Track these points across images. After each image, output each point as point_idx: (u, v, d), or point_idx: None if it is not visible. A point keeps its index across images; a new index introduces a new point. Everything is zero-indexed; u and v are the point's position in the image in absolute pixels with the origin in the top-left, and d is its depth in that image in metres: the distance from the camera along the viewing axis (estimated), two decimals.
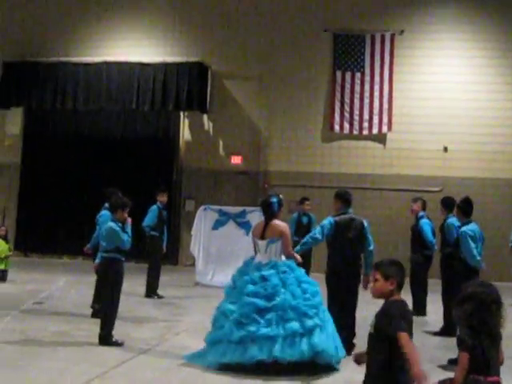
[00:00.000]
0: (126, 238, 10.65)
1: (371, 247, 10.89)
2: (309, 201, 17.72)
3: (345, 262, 10.69)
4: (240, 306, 9.55)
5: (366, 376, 5.39)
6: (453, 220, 12.09)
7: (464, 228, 10.17)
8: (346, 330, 10.36)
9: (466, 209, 10.49)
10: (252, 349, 9.20)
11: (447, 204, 12.79)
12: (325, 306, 9.99)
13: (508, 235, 20.23)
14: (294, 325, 9.31)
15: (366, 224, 10.95)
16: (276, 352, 9.08)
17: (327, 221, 10.84)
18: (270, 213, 10.24)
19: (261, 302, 9.43)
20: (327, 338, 9.41)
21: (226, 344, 9.42)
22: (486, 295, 5.22)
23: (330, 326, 9.63)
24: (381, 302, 5.51)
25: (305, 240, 10.98)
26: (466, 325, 5.20)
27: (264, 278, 9.68)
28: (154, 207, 15.91)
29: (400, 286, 5.46)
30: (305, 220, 17.28)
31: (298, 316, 9.40)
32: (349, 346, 10.12)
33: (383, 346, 5.25)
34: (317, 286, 9.89)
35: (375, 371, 5.31)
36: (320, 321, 9.48)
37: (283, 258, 10.09)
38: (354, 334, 10.60)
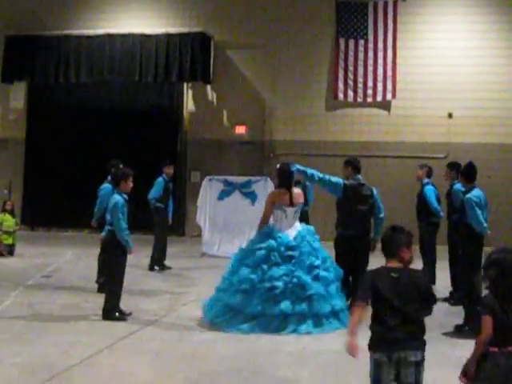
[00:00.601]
0: (122, 223, 10.53)
1: (382, 214, 11.26)
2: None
3: (354, 226, 10.92)
4: (315, 279, 10.03)
5: None
6: (459, 185, 11.99)
7: (469, 195, 10.02)
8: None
9: (469, 174, 10.34)
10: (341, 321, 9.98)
11: (457, 169, 12.59)
12: None
13: None
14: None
15: (375, 191, 11.31)
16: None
17: (336, 179, 11.08)
18: (290, 181, 10.71)
19: (330, 275, 10.18)
20: None
21: (312, 317, 9.89)
22: (510, 261, 5.26)
23: None
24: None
25: (310, 170, 11.06)
26: (491, 290, 5.23)
27: (316, 250, 10.36)
28: (160, 179, 15.86)
29: (384, 251, 5.54)
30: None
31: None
32: None
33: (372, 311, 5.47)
34: None
35: None
36: None
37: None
38: None
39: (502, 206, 20.76)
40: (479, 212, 9.87)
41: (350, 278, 10.96)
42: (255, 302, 9.91)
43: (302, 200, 10.79)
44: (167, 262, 15.88)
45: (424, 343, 5.34)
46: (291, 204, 10.53)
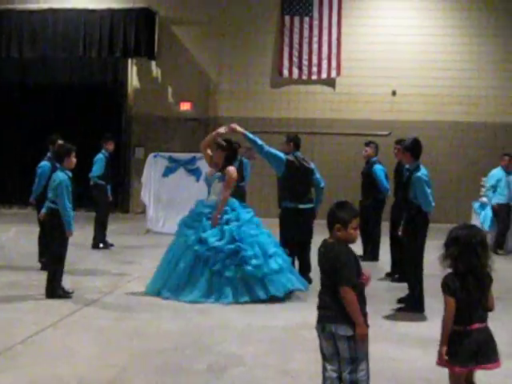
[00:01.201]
0: (67, 203, 10.34)
1: (322, 184, 11.80)
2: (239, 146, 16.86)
3: (299, 199, 11.36)
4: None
5: None
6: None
7: (419, 173, 9.82)
8: (304, 265, 11.45)
9: (415, 151, 10.21)
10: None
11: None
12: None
13: (455, 178, 20.62)
14: None
15: (313, 165, 11.76)
16: None
17: (280, 154, 11.41)
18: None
19: None
20: None
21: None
22: (471, 237, 5.26)
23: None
24: None
25: (260, 141, 11.30)
26: (453, 268, 5.26)
27: None
28: (101, 156, 15.56)
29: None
30: (235, 165, 16.40)
31: None
32: (306, 280, 11.08)
33: None
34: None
35: None
36: None
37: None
38: (310, 269, 11.40)
39: (445, 183, 21.05)
40: (429, 191, 9.86)
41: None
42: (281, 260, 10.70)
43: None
44: (111, 239, 15.77)
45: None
46: None
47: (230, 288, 10.26)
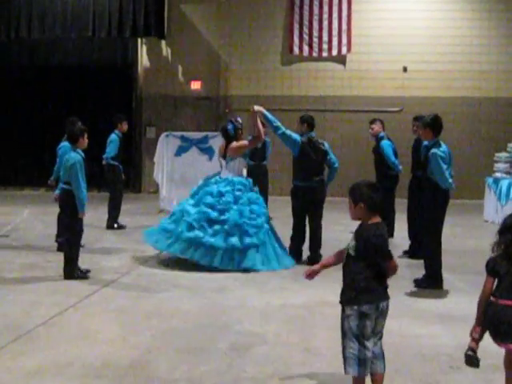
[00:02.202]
0: (82, 183, 10.33)
1: (336, 165, 12.03)
2: None
3: (310, 178, 11.63)
4: (196, 212, 11.22)
5: (343, 287, 5.52)
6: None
7: (435, 150, 9.80)
8: (315, 241, 11.77)
9: (437, 127, 10.15)
10: (196, 253, 10.97)
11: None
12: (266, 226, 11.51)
13: (468, 153, 20.55)
14: (235, 241, 10.93)
15: (327, 146, 11.98)
16: (215, 263, 10.89)
17: (295, 136, 11.74)
18: (226, 137, 11.99)
19: (213, 214, 11.14)
20: (261, 257, 11.16)
21: (174, 238, 11.16)
22: None
23: (271, 247, 11.37)
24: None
25: (277, 122, 11.72)
26: (504, 253, 5.31)
27: (221, 193, 11.31)
28: (115, 137, 15.53)
29: (371, 208, 5.52)
30: (258, 144, 16.53)
31: (239, 233, 11.00)
32: (316, 256, 11.50)
33: (362, 266, 5.34)
34: (264, 208, 11.70)
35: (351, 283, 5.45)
36: (258, 240, 11.13)
37: (244, 172, 12.13)
38: (320, 246, 11.76)
39: (459, 159, 20.97)
40: (445, 167, 9.80)
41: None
42: None
43: (235, 148, 11.80)
44: (126, 219, 15.82)
45: None
46: (224, 156, 11.97)
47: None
